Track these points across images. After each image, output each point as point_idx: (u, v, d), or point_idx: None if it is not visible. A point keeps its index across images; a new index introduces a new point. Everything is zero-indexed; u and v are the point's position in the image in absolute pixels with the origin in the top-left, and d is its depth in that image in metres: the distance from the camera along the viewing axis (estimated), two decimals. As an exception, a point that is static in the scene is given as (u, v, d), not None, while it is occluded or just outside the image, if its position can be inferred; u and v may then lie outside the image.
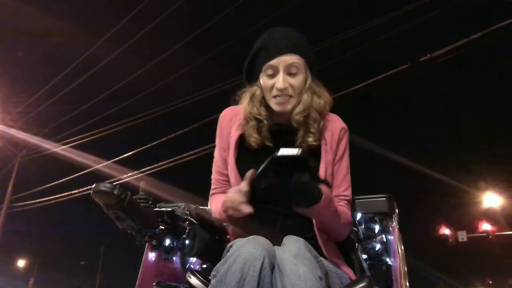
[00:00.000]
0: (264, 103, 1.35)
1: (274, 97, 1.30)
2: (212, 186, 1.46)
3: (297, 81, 1.30)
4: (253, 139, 1.32)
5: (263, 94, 1.34)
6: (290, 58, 1.28)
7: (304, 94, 1.32)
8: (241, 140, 1.35)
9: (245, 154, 1.34)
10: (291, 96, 1.30)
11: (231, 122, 1.41)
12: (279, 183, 1.11)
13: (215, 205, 1.36)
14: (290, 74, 1.29)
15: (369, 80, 6.88)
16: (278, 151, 1.06)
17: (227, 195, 1.21)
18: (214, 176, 1.45)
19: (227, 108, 1.46)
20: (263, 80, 1.32)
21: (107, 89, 10.93)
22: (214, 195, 1.44)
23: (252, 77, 1.36)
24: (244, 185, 1.16)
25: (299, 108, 1.31)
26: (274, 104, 1.31)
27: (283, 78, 1.28)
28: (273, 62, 1.28)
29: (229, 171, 1.37)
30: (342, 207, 1.33)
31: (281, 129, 1.35)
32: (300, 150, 1.07)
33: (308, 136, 1.30)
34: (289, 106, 1.30)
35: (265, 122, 1.32)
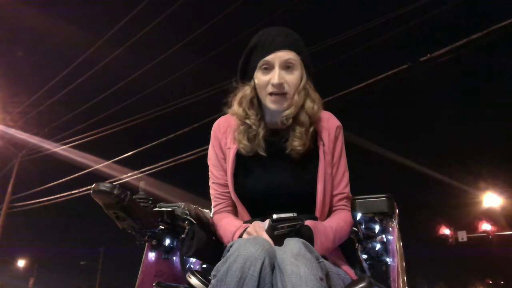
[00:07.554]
0: (255, 104, 1.32)
1: (270, 94, 1.27)
2: (214, 202, 1.40)
3: (293, 78, 1.28)
4: (242, 145, 1.30)
5: (255, 93, 1.32)
6: (286, 54, 1.27)
7: (297, 95, 1.29)
8: (239, 153, 1.34)
9: (242, 167, 1.33)
10: (286, 94, 1.27)
11: (226, 133, 1.38)
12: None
13: (225, 229, 1.29)
14: (286, 70, 1.27)
15: (369, 80, 6.88)
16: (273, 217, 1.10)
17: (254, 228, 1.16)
18: (214, 191, 1.40)
19: (220, 118, 1.43)
20: (258, 77, 1.29)
21: (107, 89, 10.93)
22: (220, 214, 1.38)
23: (246, 76, 1.34)
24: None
25: (289, 110, 1.28)
26: (269, 102, 1.28)
27: (278, 74, 1.25)
28: (269, 57, 1.26)
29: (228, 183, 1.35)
30: (342, 210, 1.35)
31: (275, 139, 1.33)
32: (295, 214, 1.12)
33: (294, 140, 1.28)
34: (285, 105, 1.28)
35: (254, 127, 1.30)
